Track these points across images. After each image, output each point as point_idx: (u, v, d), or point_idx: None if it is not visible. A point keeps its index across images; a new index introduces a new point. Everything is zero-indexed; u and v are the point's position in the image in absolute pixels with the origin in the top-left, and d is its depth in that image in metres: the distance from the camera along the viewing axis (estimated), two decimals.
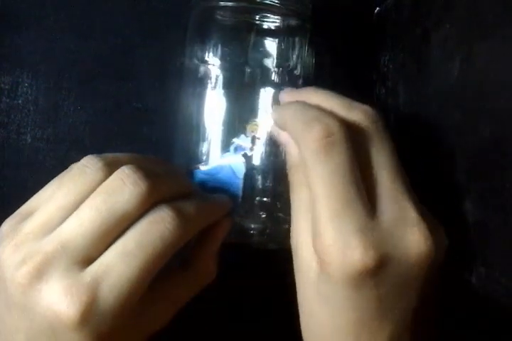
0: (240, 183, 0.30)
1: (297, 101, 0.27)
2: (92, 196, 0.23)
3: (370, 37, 0.40)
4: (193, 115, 0.32)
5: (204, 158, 0.31)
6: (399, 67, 0.38)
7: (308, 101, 0.27)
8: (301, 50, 0.33)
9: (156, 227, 0.23)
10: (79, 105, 0.37)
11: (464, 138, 0.29)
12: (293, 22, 0.32)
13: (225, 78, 0.32)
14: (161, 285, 0.26)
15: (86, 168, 0.24)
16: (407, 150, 0.36)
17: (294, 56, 0.33)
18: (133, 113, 0.38)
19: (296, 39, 0.33)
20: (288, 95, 0.29)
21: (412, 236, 0.24)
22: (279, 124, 0.28)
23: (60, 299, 0.21)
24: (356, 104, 0.27)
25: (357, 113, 0.26)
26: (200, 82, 0.32)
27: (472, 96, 0.28)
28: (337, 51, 0.34)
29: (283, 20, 0.32)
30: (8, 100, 0.36)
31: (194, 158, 0.32)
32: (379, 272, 0.23)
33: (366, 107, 0.26)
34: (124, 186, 0.23)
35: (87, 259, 0.23)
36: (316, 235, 0.24)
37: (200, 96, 0.32)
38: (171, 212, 0.24)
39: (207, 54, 0.32)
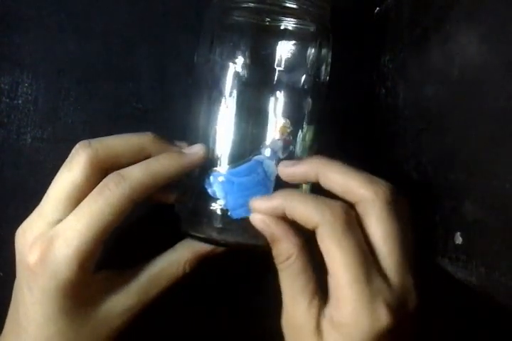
0: (272, 186, 0.30)
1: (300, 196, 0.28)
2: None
3: (370, 37, 0.40)
4: (207, 117, 0.32)
5: (220, 161, 0.31)
6: (399, 67, 0.38)
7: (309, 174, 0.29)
8: (320, 56, 0.33)
9: (101, 191, 0.28)
10: (79, 105, 0.37)
11: (463, 137, 0.29)
12: (312, 27, 0.32)
13: (242, 79, 0.31)
14: (122, 276, 0.31)
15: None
16: (406, 150, 0.36)
17: (312, 61, 0.32)
18: (133, 113, 0.38)
19: (316, 44, 0.32)
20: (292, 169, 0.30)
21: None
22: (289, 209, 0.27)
23: (27, 250, 0.28)
24: (367, 182, 0.27)
25: (366, 192, 0.27)
26: (215, 81, 0.32)
27: (472, 96, 0.28)
28: (337, 51, 0.34)
29: (304, 25, 0.32)
30: (8, 100, 0.36)
31: (208, 161, 0.31)
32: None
33: (377, 186, 0.27)
34: (71, 157, 0.29)
35: (58, 221, 0.28)
36: (338, 301, 0.26)
37: (215, 97, 0.32)
38: (115, 177, 0.28)
39: (224, 53, 0.32)
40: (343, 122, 0.40)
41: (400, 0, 0.38)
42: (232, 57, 0.31)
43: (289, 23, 0.32)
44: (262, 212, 0.28)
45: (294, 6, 0.31)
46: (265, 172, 0.30)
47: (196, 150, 0.31)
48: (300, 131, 0.32)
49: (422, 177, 0.33)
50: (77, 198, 0.28)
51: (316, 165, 0.28)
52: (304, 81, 0.32)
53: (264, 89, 0.31)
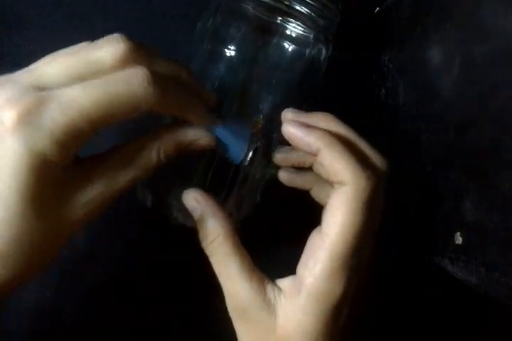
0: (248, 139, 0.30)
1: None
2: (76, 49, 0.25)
3: (370, 37, 0.40)
4: None
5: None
6: (399, 67, 0.38)
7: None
8: (313, 64, 0.33)
9: (129, 78, 0.23)
10: None
11: (464, 138, 0.29)
12: (313, 35, 0.32)
13: (230, 68, 0.32)
14: (97, 166, 0.25)
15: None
16: (406, 150, 0.36)
17: (304, 68, 0.32)
18: None
19: (311, 53, 0.32)
20: (295, 116, 0.29)
21: None
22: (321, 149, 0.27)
23: (5, 102, 0.21)
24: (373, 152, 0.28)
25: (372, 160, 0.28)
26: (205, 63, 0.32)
27: (472, 96, 0.28)
28: (337, 51, 0.34)
29: (306, 32, 0.32)
30: None
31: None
32: None
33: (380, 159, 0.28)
34: (105, 43, 0.24)
35: (55, 85, 0.23)
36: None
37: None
38: (149, 74, 0.23)
39: (218, 37, 0.32)
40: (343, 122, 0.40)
41: (399, 0, 0.38)
42: (224, 43, 0.31)
43: (291, 26, 0.32)
44: (293, 139, 0.27)
45: (303, 11, 0.31)
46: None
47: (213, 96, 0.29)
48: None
49: (422, 177, 0.33)
50: (87, 77, 0.23)
51: (322, 136, 0.27)
52: (292, 85, 0.32)
53: (250, 83, 0.32)
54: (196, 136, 0.27)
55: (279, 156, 0.30)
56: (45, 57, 0.24)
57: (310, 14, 0.31)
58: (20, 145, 0.21)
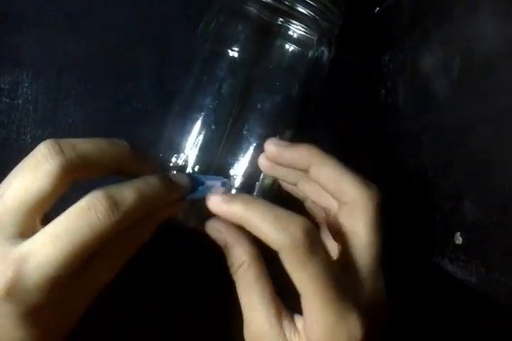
0: (226, 182, 0.30)
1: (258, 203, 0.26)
2: (14, 173, 0.25)
3: (370, 37, 0.40)
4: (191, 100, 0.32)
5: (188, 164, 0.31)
6: (399, 67, 0.38)
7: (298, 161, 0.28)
8: (315, 67, 0.33)
9: (86, 214, 0.23)
10: (79, 105, 0.37)
11: (463, 138, 0.29)
12: (316, 38, 0.32)
13: (232, 68, 0.32)
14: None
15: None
16: (406, 150, 0.36)
17: (306, 70, 0.32)
18: (133, 113, 0.38)
19: (315, 55, 0.32)
20: (277, 149, 0.29)
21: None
22: (242, 218, 0.26)
23: None
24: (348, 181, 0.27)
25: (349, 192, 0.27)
26: (205, 63, 0.32)
27: (472, 96, 0.28)
28: (337, 51, 0.34)
29: (308, 33, 0.32)
30: (8, 100, 0.36)
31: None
32: None
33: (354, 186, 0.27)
34: (36, 164, 0.24)
35: (19, 236, 0.24)
36: (311, 322, 0.25)
37: (203, 82, 0.32)
38: (104, 200, 0.24)
39: (220, 37, 0.32)
40: (343, 122, 0.40)
41: (400, 0, 0.38)
42: (227, 44, 0.32)
43: (294, 28, 0.32)
44: (217, 212, 0.26)
45: (305, 13, 0.31)
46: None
47: (184, 180, 0.28)
48: (278, 135, 0.32)
49: (422, 177, 0.33)
50: (40, 211, 0.24)
51: (311, 153, 0.28)
52: (293, 87, 0.32)
53: (251, 84, 0.32)
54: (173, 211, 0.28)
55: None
56: None
57: (314, 17, 0.31)
58: (14, 311, 0.23)
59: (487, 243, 0.27)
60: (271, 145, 0.29)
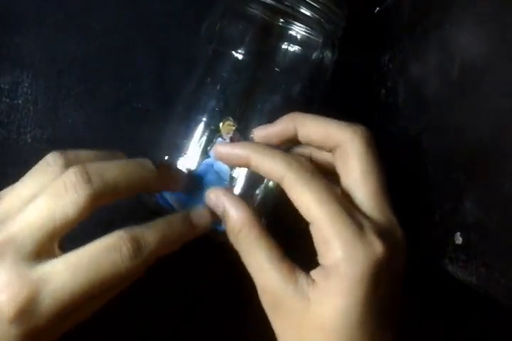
0: (227, 186, 0.30)
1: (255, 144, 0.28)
2: (39, 194, 0.25)
3: (370, 37, 0.40)
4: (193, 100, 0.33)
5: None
6: (399, 67, 0.38)
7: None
8: (319, 68, 0.33)
9: (110, 253, 0.24)
10: (79, 105, 0.37)
11: (463, 138, 0.29)
12: (320, 39, 0.32)
13: (236, 70, 0.32)
14: None
15: (47, 166, 0.26)
16: (406, 150, 0.36)
17: (310, 71, 0.33)
18: (133, 113, 0.38)
19: (319, 56, 0.33)
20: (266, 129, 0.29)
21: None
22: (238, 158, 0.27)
23: (2, 289, 0.22)
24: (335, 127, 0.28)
25: (335, 138, 0.27)
26: (209, 65, 0.32)
27: (472, 96, 0.28)
28: (337, 51, 0.34)
29: (312, 35, 0.32)
30: (8, 100, 0.36)
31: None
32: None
33: (347, 129, 0.27)
34: (65, 191, 0.24)
35: (35, 256, 0.24)
36: (326, 245, 0.25)
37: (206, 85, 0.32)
38: (129, 243, 0.24)
39: (225, 39, 0.32)
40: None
41: (399, 0, 0.38)
42: (232, 46, 0.32)
43: (297, 29, 0.32)
44: (223, 157, 0.28)
45: (309, 15, 0.31)
46: (218, 174, 0.30)
47: (205, 215, 0.28)
48: None
49: (422, 177, 0.33)
50: (60, 234, 0.25)
51: (292, 118, 0.29)
52: (296, 88, 0.32)
53: (255, 84, 0.32)
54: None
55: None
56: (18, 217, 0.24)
57: (318, 19, 0.31)
58: (18, 331, 0.23)
59: (487, 243, 0.27)
60: (258, 130, 0.29)
